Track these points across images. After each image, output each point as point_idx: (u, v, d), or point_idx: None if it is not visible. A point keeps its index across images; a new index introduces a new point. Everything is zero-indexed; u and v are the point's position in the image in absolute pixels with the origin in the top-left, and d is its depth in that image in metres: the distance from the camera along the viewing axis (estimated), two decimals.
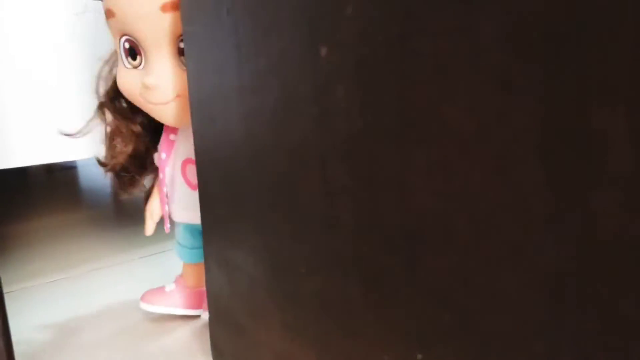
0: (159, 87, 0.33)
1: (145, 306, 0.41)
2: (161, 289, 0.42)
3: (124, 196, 0.42)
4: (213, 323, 0.33)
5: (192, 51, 0.28)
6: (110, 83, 0.39)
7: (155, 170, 0.40)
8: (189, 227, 0.40)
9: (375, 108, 0.16)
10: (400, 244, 0.16)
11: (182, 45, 0.32)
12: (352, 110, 0.17)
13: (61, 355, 0.38)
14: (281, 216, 0.23)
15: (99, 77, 0.39)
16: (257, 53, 0.22)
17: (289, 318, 0.23)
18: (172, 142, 0.38)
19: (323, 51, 0.18)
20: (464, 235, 0.14)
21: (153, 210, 0.41)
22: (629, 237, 0.10)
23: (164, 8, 0.31)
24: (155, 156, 0.39)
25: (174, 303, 0.42)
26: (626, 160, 0.10)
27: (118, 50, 0.35)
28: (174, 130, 0.38)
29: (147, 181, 0.42)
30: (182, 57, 0.33)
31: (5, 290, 0.46)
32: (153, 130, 0.39)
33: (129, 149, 0.39)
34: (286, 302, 0.23)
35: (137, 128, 0.39)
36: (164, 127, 0.38)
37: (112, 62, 0.39)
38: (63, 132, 0.41)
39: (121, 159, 0.39)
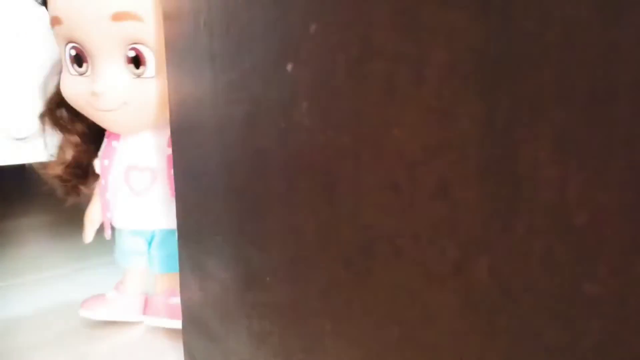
0: (107, 94, 0.33)
1: (86, 313, 0.41)
2: (101, 296, 0.42)
3: (69, 202, 0.42)
4: (186, 328, 0.33)
5: (172, 58, 0.28)
6: (51, 93, 0.39)
7: (96, 177, 0.40)
8: (132, 233, 0.40)
9: (335, 126, 0.17)
10: (355, 258, 0.17)
11: (130, 53, 0.32)
12: (314, 125, 0.18)
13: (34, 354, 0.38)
14: (249, 226, 0.23)
15: (42, 86, 0.40)
16: (230, 65, 0.22)
17: (255, 326, 0.24)
18: (115, 149, 0.38)
19: (289, 67, 0.18)
20: (409, 252, 0.14)
21: (93, 217, 0.41)
22: (555, 261, 0.11)
23: (115, 17, 0.31)
24: (96, 163, 0.39)
25: (116, 310, 0.41)
26: (551, 188, 0.11)
27: (63, 58, 0.35)
28: (116, 137, 0.38)
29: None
30: (131, 65, 0.33)
31: None
32: (94, 139, 0.39)
33: (67, 160, 0.39)
34: (252, 310, 0.24)
35: (76, 139, 0.39)
36: (106, 134, 0.39)
37: (54, 71, 0.39)
38: (14, 137, 0.41)
39: (59, 170, 0.39)
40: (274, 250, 0.21)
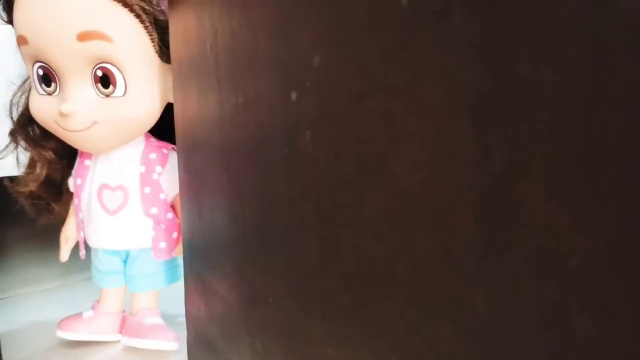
0: (76, 114, 0.32)
1: (63, 334, 0.40)
2: (78, 315, 0.41)
3: (42, 222, 0.41)
4: (190, 343, 0.34)
5: (179, 79, 0.29)
6: (22, 109, 0.39)
7: (71, 195, 0.40)
8: (106, 252, 0.39)
9: (337, 156, 0.17)
10: (355, 284, 0.17)
11: (99, 72, 0.32)
12: (317, 154, 0.18)
13: None
14: (253, 248, 0.23)
15: (11, 103, 0.39)
16: (235, 89, 0.23)
17: (257, 344, 0.24)
18: (88, 167, 0.38)
19: (294, 95, 0.19)
20: (408, 281, 0.15)
21: (68, 236, 0.40)
22: (548, 297, 0.11)
23: (80, 37, 0.30)
24: (70, 181, 0.39)
25: (93, 329, 0.40)
26: (544, 228, 0.11)
27: (31, 77, 0.34)
28: (88, 155, 0.38)
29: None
30: (99, 84, 0.32)
31: None
32: (68, 155, 0.39)
33: (42, 176, 0.38)
34: (255, 328, 0.24)
35: (50, 155, 0.38)
36: (79, 153, 0.38)
37: (24, 87, 0.38)
38: None
39: (33, 186, 0.38)
40: (276, 272, 0.22)
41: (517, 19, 0.11)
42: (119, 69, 0.32)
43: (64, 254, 0.41)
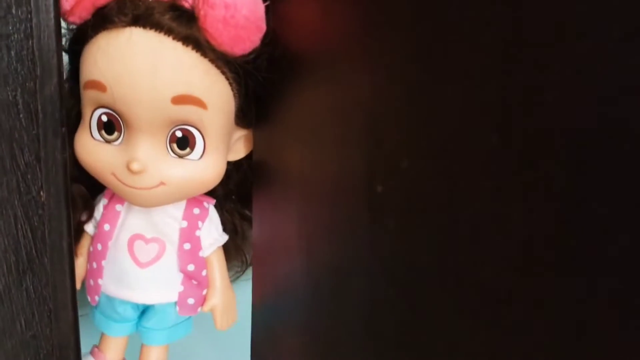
0: (146, 173, 0.30)
1: None
2: None
3: None
4: None
5: (259, 139, 0.32)
6: None
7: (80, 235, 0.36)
8: (124, 302, 0.36)
9: (420, 250, 0.20)
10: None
11: (178, 133, 0.30)
12: (400, 243, 0.21)
13: None
14: (326, 304, 0.26)
15: None
16: (321, 171, 0.26)
17: None
18: (118, 213, 0.34)
19: (379, 189, 0.22)
20: None
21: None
22: None
23: (175, 100, 0.28)
24: (91, 224, 0.36)
25: None
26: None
27: (86, 119, 0.31)
28: (120, 200, 0.34)
29: None
30: (174, 144, 0.30)
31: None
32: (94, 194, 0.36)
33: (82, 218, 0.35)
34: None
35: (82, 190, 0.35)
36: (106, 194, 0.35)
37: None
38: None
39: None
40: (352, 342, 0.24)
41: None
42: (202, 134, 0.30)
43: None
